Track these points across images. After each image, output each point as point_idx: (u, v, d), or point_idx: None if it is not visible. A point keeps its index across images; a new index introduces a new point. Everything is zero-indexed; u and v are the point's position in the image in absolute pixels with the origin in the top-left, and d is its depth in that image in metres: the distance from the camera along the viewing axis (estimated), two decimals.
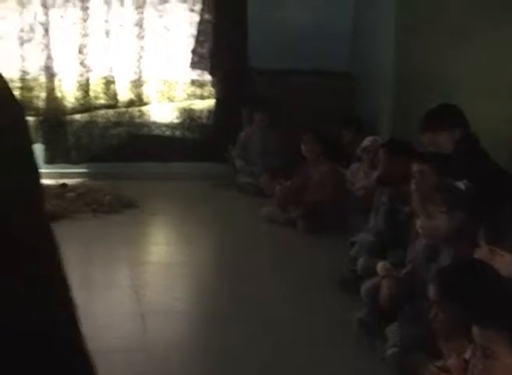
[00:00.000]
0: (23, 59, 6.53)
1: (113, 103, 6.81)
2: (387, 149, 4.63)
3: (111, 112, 6.83)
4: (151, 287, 4.47)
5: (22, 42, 6.50)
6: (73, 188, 6.01)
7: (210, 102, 7.02)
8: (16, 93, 6.32)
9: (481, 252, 2.88)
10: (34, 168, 0.53)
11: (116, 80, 6.76)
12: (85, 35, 6.61)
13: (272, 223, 5.58)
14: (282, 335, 3.77)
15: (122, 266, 4.76)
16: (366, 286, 3.77)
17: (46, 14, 6.52)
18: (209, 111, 7.02)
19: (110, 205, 5.75)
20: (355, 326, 3.66)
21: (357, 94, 6.78)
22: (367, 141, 5.42)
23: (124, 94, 6.81)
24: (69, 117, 6.75)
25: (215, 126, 6.97)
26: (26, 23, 6.48)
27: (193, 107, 7.01)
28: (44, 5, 6.50)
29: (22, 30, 6.48)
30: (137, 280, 4.54)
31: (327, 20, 6.99)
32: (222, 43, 6.79)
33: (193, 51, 6.87)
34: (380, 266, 3.72)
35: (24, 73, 6.55)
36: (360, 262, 4.23)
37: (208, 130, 6.97)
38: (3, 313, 0.49)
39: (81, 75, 6.66)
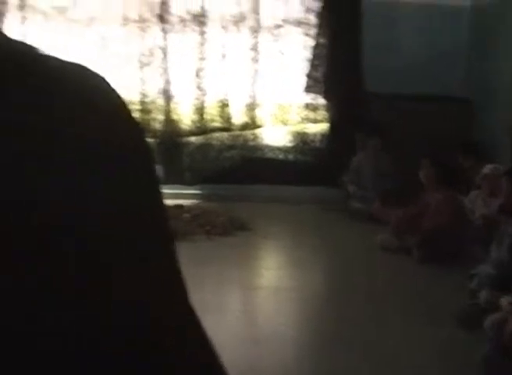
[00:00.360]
0: (143, 82, 6.73)
1: (228, 126, 6.90)
2: (510, 177, 4.42)
3: (225, 134, 6.93)
4: (260, 311, 4.44)
5: (142, 66, 6.71)
6: (188, 210, 6.09)
7: (323, 126, 6.99)
8: (136, 115, 6.52)
9: None
10: (156, 187, 0.51)
11: (231, 103, 6.84)
12: (202, 59, 6.74)
13: (386, 251, 5.45)
14: (393, 366, 3.64)
15: (233, 289, 4.77)
16: (490, 320, 3.58)
17: (165, 39, 6.71)
18: (322, 135, 6.99)
19: (223, 226, 5.79)
20: (478, 362, 3.47)
21: (475, 119, 6.56)
22: (487, 169, 5.22)
23: (238, 117, 6.89)
24: (184, 139, 6.89)
25: (327, 150, 6.92)
26: (146, 48, 6.69)
27: (306, 131, 7.00)
28: (164, 30, 6.69)
29: (142, 54, 6.69)
30: (248, 304, 4.53)
31: (443, 44, 6.85)
32: (337, 67, 6.75)
33: (308, 75, 6.87)
34: (504, 300, 3.53)
35: (143, 95, 6.75)
36: (483, 295, 4.03)
37: (321, 153, 6.94)
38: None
39: (197, 98, 6.79)
